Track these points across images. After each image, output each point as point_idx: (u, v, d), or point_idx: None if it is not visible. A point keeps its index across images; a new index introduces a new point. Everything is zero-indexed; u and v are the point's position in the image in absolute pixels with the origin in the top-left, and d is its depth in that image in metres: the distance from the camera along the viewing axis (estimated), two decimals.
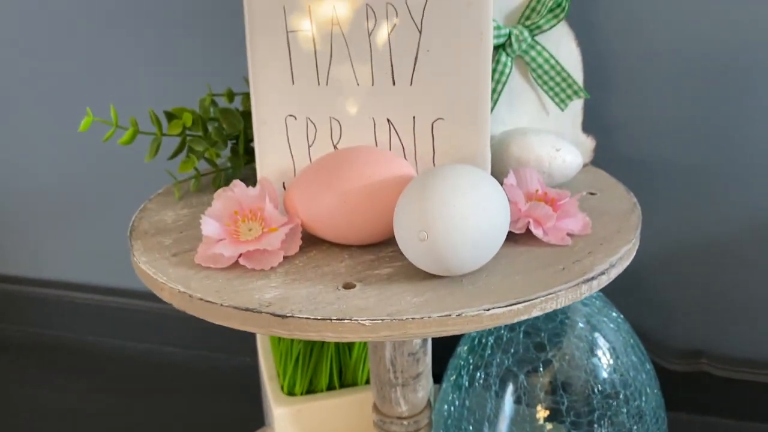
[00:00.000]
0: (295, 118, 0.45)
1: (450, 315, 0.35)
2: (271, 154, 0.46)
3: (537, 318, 0.56)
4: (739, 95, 0.68)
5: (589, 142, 0.56)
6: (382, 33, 0.43)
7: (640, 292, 0.79)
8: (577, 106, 0.55)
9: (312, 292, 0.38)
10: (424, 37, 0.43)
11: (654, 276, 0.78)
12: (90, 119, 0.50)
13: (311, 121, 0.45)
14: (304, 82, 0.45)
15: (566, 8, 0.49)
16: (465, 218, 0.36)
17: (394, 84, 0.44)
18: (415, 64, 0.44)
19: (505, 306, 0.36)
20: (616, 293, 0.72)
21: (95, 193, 0.96)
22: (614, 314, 0.58)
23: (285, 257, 0.42)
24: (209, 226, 0.42)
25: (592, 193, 0.51)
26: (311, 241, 0.44)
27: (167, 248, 0.44)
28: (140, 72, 0.87)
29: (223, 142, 0.52)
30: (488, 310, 0.36)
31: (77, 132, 0.53)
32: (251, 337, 0.87)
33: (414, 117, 0.45)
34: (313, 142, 0.46)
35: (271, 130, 0.46)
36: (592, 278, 0.39)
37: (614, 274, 0.41)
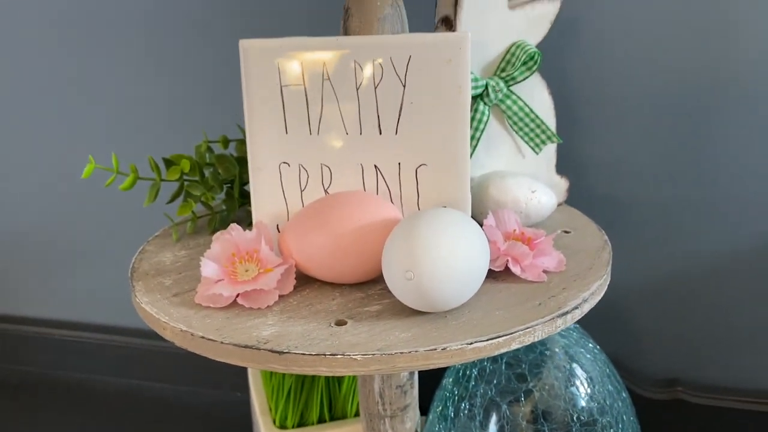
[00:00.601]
0: (289, 165, 0.49)
1: (435, 349, 0.38)
2: (266, 199, 0.49)
3: (518, 350, 0.59)
4: (705, 136, 0.72)
5: (563, 183, 0.60)
6: (369, 87, 0.47)
7: (618, 323, 0.82)
8: (550, 149, 0.58)
9: (307, 329, 0.40)
10: (407, 91, 0.47)
11: (631, 307, 0.82)
12: (92, 166, 0.53)
13: (303, 168, 0.49)
14: (297, 131, 0.48)
15: (538, 61, 0.53)
16: (448, 258, 0.39)
17: (380, 133, 0.47)
18: (399, 115, 0.47)
19: (487, 340, 0.39)
20: (595, 324, 0.75)
21: (88, 234, 0.98)
22: (591, 345, 0.61)
23: (280, 296, 0.44)
24: (208, 267, 0.44)
25: (566, 232, 0.54)
26: (304, 280, 0.46)
27: (168, 289, 0.47)
28: (137, 119, 0.91)
29: (219, 187, 0.55)
30: (471, 343, 0.38)
31: (74, 175, 0.55)
32: (242, 373, 0.89)
33: (399, 163, 0.48)
34: (305, 187, 0.49)
35: (266, 177, 0.49)
36: (567, 312, 0.42)
37: (587, 308, 0.44)
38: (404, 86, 0.47)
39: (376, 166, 0.48)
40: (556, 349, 0.60)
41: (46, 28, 0.90)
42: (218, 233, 0.47)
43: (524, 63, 0.53)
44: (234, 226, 0.47)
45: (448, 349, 0.38)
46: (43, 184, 0.98)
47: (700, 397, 0.82)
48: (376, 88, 0.47)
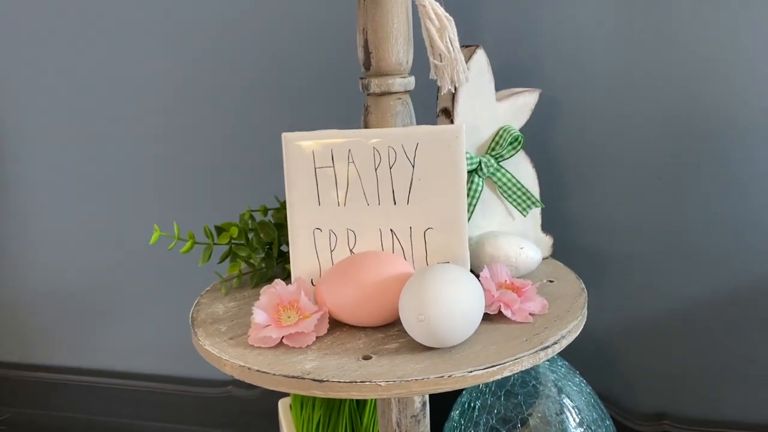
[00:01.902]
0: (321, 231, 0.60)
1: (443, 376, 0.48)
2: (302, 258, 0.60)
3: (514, 384, 0.69)
4: (680, 195, 0.83)
5: (548, 240, 0.71)
6: (385, 167, 0.58)
7: (608, 361, 0.91)
8: (536, 212, 0.70)
9: (340, 362, 0.51)
10: (416, 170, 0.58)
11: (620, 346, 0.90)
12: (158, 234, 0.64)
13: (333, 233, 0.60)
14: (328, 203, 0.59)
15: (522, 142, 0.65)
16: (452, 304, 0.49)
17: (395, 204, 0.59)
18: (410, 189, 0.59)
19: (484, 368, 0.49)
20: (588, 362, 0.85)
21: (131, 292, 1.10)
22: (577, 379, 0.71)
23: (317, 337, 0.55)
24: (259, 315, 0.55)
25: (550, 281, 0.65)
26: (336, 324, 0.57)
27: (224, 333, 0.58)
28: (186, 192, 1.03)
29: (261, 248, 0.66)
30: (471, 372, 0.49)
31: (125, 241, 0.66)
32: (274, 413, 0.98)
33: (411, 227, 0.59)
34: (334, 248, 0.60)
35: (303, 240, 0.60)
36: (548, 347, 0.52)
37: (565, 342, 0.54)
38: (413, 166, 0.58)
39: (392, 230, 0.59)
40: (548, 383, 0.70)
41: (89, 101, 1.03)
42: (265, 287, 0.58)
43: (510, 143, 0.65)
44: (278, 281, 0.58)
45: (453, 376, 0.48)
46: (97, 246, 1.09)
47: (686, 430, 0.91)
48: (391, 168, 0.58)
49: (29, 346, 1.20)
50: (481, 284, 0.54)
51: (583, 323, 0.58)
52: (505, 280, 0.59)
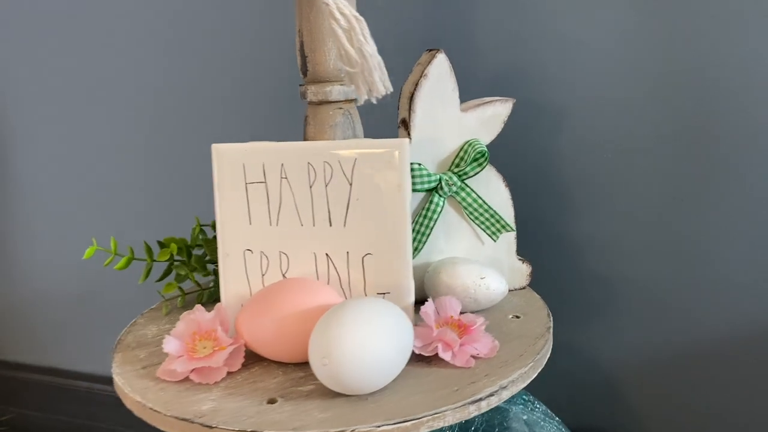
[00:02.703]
0: (252, 252, 0.54)
1: (345, 430, 0.42)
2: (232, 281, 0.55)
3: (477, 429, 0.61)
4: (696, 217, 0.74)
5: (524, 268, 0.63)
6: (321, 185, 0.52)
7: (614, 396, 0.82)
8: (510, 236, 0.62)
9: (241, 405, 0.45)
10: (354, 188, 0.52)
11: (628, 380, 0.82)
12: (94, 248, 0.60)
13: (264, 255, 0.54)
14: (259, 222, 0.54)
15: (487, 157, 0.57)
16: (361, 347, 0.43)
17: (331, 225, 0.53)
18: (347, 210, 0.52)
19: (394, 423, 0.42)
20: (592, 398, 0.76)
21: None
22: (556, 423, 0.63)
23: (230, 372, 0.50)
24: (170, 344, 0.50)
25: (516, 317, 0.57)
26: (256, 358, 0.51)
27: (140, 361, 0.53)
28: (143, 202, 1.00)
29: (203, 268, 0.62)
30: (379, 426, 0.42)
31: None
32: None
33: (348, 252, 0.53)
34: (266, 272, 0.54)
35: (233, 262, 0.55)
36: (480, 399, 0.45)
37: (506, 395, 0.47)
38: (351, 185, 0.52)
39: (327, 255, 0.53)
40: (519, 428, 0.62)
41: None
42: (185, 313, 0.53)
43: (475, 159, 0.58)
44: (198, 306, 0.52)
45: (356, 430, 0.42)
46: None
47: None
48: (326, 186, 0.52)
49: (39, 347, 1.21)
50: (409, 321, 0.48)
51: (538, 370, 0.50)
52: (451, 316, 0.52)
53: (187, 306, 0.63)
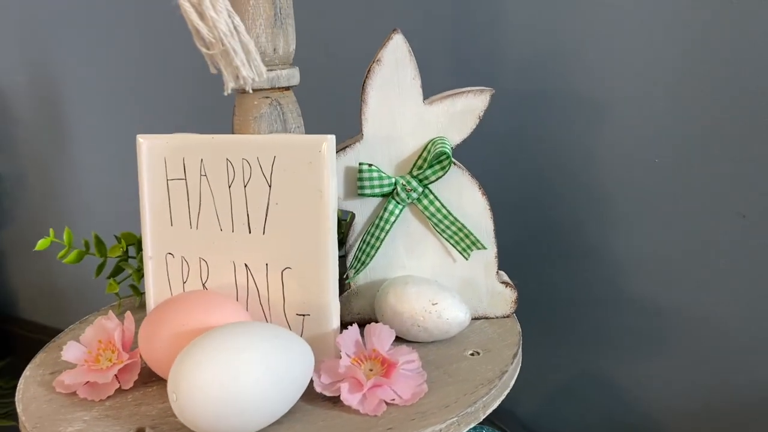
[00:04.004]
0: (173, 256, 0.49)
1: None
2: (156, 287, 0.50)
3: None
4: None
5: (508, 293, 0.53)
6: (239, 185, 0.46)
7: None
8: (489, 254, 0.52)
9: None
10: (273, 191, 0.45)
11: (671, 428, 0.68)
12: (50, 239, 0.58)
13: (185, 260, 0.49)
14: (180, 224, 0.48)
15: (450, 159, 0.48)
16: (220, 383, 0.36)
17: (250, 232, 0.46)
18: (266, 215, 0.45)
19: None
20: None
21: None
22: None
23: (123, 390, 0.45)
24: (71, 351, 0.46)
25: (476, 353, 0.47)
26: (156, 377, 0.46)
27: (54, 365, 0.50)
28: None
29: None
30: None
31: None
32: None
33: (267, 264, 0.46)
34: (186, 279, 0.49)
35: (156, 265, 0.50)
36: None
37: None
38: (270, 186, 0.45)
39: (246, 265, 0.47)
40: None
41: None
42: (99, 317, 0.49)
43: (437, 161, 0.48)
44: (111, 313, 0.48)
45: None
46: None
47: None
48: (245, 186, 0.46)
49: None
50: (307, 356, 0.40)
51: (464, 428, 0.40)
52: (374, 349, 0.43)
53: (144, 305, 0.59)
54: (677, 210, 0.62)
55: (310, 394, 0.42)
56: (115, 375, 0.44)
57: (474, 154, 0.55)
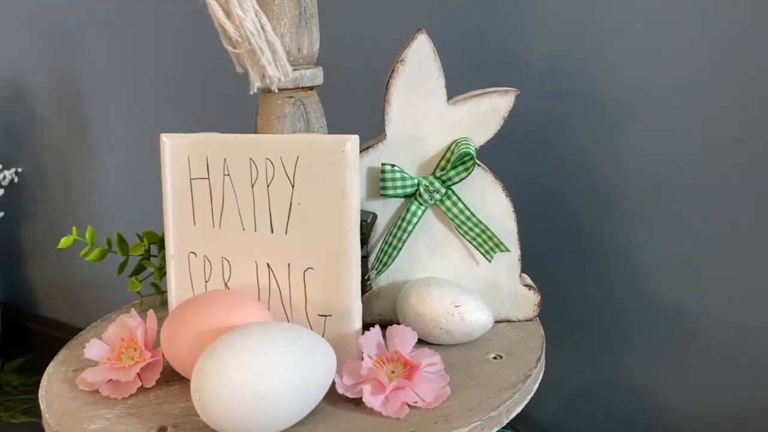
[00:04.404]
0: (196, 255, 0.49)
1: None
2: (178, 286, 0.50)
3: None
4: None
5: (531, 296, 0.52)
6: (263, 184, 0.46)
7: None
8: (512, 257, 0.51)
9: (127, 430, 0.40)
10: (296, 191, 0.45)
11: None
12: (72, 238, 0.58)
13: (208, 259, 0.49)
14: (203, 223, 0.49)
15: (474, 160, 0.47)
16: (244, 383, 0.36)
17: (272, 232, 0.46)
18: (289, 215, 0.45)
19: None
20: None
21: None
22: None
23: (145, 388, 0.45)
24: (94, 348, 0.47)
25: (498, 357, 0.47)
26: (178, 376, 0.46)
27: (79, 362, 0.50)
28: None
29: None
30: None
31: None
32: None
33: (289, 264, 0.46)
34: (209, 279, 0.49)
35: (178, 264, 0.50)
36: None
37: None
38: (293, 186, 0.45)
39: (268, 265, 0.47)
40: None
41: None
42: (122, 316, 0.49)
43: (461, 162, 0.48)
44: (133, 312, 0.48)
45: None
46: None
47: None
48: (268, 186, 0.46)
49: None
50: (331, 357, 0.40)
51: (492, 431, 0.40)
52: (397, 351, 0.43)
53: (167, 303, 0.60)
54: (699, 213, 0.61)
55: (332, 395, 0.41)
56: (138, 373, 0.44)
57: (494, 154, 0.55)
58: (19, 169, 1.26)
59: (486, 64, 0.68)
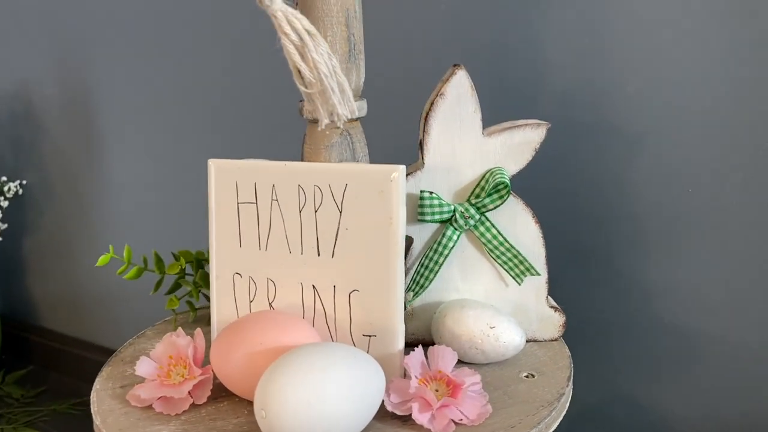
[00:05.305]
0: (241, 276, 0.51)
1: None
2: (222, 306, 0.52)
3: None
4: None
5: (557, 317, 0.55)
6: (310, 210, 0.48)
7: None
8: (540, 280, 0.54)
9: None
10: (344, 217, 0.47)
11: None
12: (109, 256, 0.60)
13: (253, 280, 0.51)
14: (249, 245, 0.51)
15: (509, 189, 0.50)
16: (307, 402, 0.38)
17: (319, 255, 0.48)
18: (336, 240, 0.48)
19: None
20: None
21: None
22: None
23: (197, 405, 0.47)
24: (143, 366, 0.48)
25: (530, 375, 0.50)
26: (227, 392, 0.48)
27: (124, 378, 0.51)
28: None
29: (207, 285, 0.59)
30: None
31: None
32: None
33: (334, 286, 0.48)
34: (253, 299, 0.51)
35: (223, 285, 0.52)
36: None
37: None
38: (341, 212, 0.47)
39: (314, 286, 0.49)
40: None
41: None
42: (168, 334, 0.51)
43: (496, 190, 0.50)
44: (180, 330, 0.50)
45: None
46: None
47: None
48: (316, 211, 0.48)
49: (130, 335, 1.26)
50: (381, 376, 0.42)
51: None
52: (440, 370, 0.45)
53: (199, 321, 0.62)
54: (710, 239, 0.64)
55: (381, 413, 0.43)
56: (189, 390, 0.46)
57: (515, 180, 0.58)
58: (24, 182, 1.27)
59: (505, 93, 0.71)
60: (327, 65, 0.35)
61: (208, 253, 0.61)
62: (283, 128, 0.79)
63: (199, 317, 0.62)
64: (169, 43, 0.99)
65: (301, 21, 0.34)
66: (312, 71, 0.35)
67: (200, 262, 0.61)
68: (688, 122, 0.63)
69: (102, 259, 0.60)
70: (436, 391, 0.45)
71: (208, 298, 0.61)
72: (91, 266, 1.23)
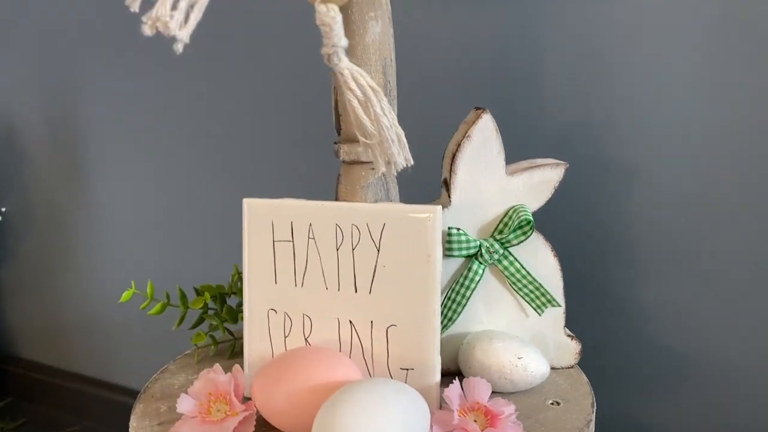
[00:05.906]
0: (276, 312, 0.53)
1: None
2: (256, 341, 0.53)
3: None
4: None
5: (573, 345, 0.58)
6: (348, 248, 0.50)
7: None
8: (557, 310, 0.57)
9: None
10: (381, 255, 0.49)
11: None
12: (132, 291, 0.61)
13: (288, 316, 0.52)
14: (284, 282, 0.52)
15: (532, 226, 0.53)
16: None
17: (356, 291, 0.50)
18: (373, 277, 0.50)
19: None
20: None
21: None
22: None
23: None
24: (184, 403, 0.49)
25: (556, 403, 0.52)
26: (270, 425, 0.49)
27: (159, 415, 0.52)
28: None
29: (233, 319, 0.60)
30: None
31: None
32: None
33: (372, 321, 0.50)
34: (288, 334, 0.52)
35: (257, 320, 0.53)
36: None
37: None
38: (378, 250, 0.49)
39: (351, 322, 0.51)
40: None
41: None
42: (204, 371, 0.52)
43: (519, 227, 0.53)
44: (217, 366, 0.51)
45: None
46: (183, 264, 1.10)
47: None
48: (353, 249, 0.50)
49: (111, 364, 1.24)
50: (426, 410, 0.44)
51: None
52: (478, 402, 0.47)
53: (220, 354, 0.62)
54: (704, 265, 0.68)
55: None
56: (234, 426, 0.47)
57: None
58: (3, 209, 1.25)
59: (506, 130, 0.75)
60: (388, 118, 0.37)
61: (228, 287, 0.63)
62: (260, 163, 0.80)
63: (219, 351, 0.63)
64: (159, 76, 1.00)
65: (365, 78, 0.36)
66: (374, 124, 0.37)
67: (223, 296, 0.62)
68: (682, 156, 0.67)
69: (125, 295, 0.60)
70: (474, 421, 0.47)
71: (230, 333, 0.62)
72: (71, 295, 1.22)
